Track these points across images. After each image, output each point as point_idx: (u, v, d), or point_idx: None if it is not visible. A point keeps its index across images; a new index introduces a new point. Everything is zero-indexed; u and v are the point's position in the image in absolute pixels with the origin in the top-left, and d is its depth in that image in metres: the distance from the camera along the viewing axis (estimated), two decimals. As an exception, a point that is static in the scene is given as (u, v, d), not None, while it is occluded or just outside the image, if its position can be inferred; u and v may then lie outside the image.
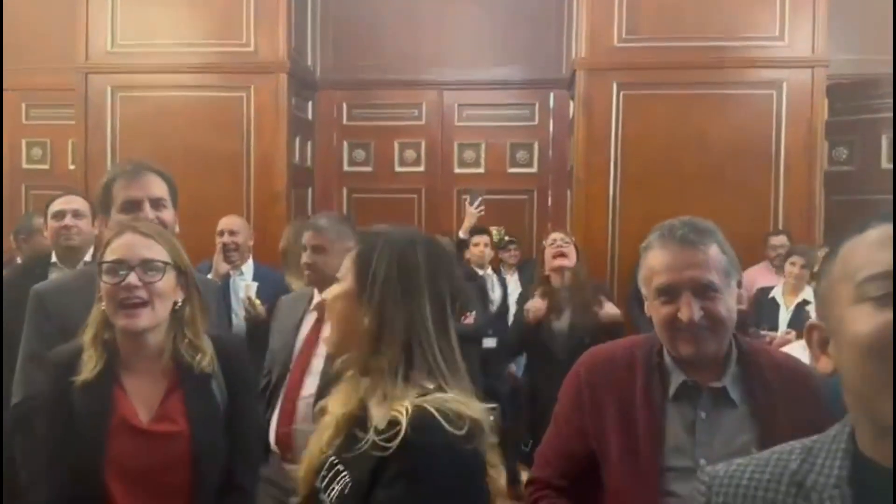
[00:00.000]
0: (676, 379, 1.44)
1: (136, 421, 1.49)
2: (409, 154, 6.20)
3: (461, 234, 4.61)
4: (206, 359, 1.54)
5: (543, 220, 6.07)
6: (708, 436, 1.41)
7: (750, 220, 5.11)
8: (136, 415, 1.50)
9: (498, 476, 1.21)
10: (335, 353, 1.26)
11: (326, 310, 1.32)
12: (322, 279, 2.24)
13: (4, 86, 6.20)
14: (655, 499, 1.39)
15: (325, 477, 1.18)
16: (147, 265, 1.49)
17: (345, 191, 6.25)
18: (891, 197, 5.25)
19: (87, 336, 1.52)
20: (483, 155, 6.16)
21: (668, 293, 1.42)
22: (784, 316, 4.25)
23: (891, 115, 5.30)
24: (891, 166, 5.40)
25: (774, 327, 4.19)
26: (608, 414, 1.46)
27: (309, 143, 6.10)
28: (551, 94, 6.07)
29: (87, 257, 2.96)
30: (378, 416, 1.13)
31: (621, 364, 1.50)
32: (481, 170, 6.16)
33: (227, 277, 3.59)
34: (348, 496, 1.12)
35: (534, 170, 6.14)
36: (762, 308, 4.43)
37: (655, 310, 1.45)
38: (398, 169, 6.21)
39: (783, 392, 1.42)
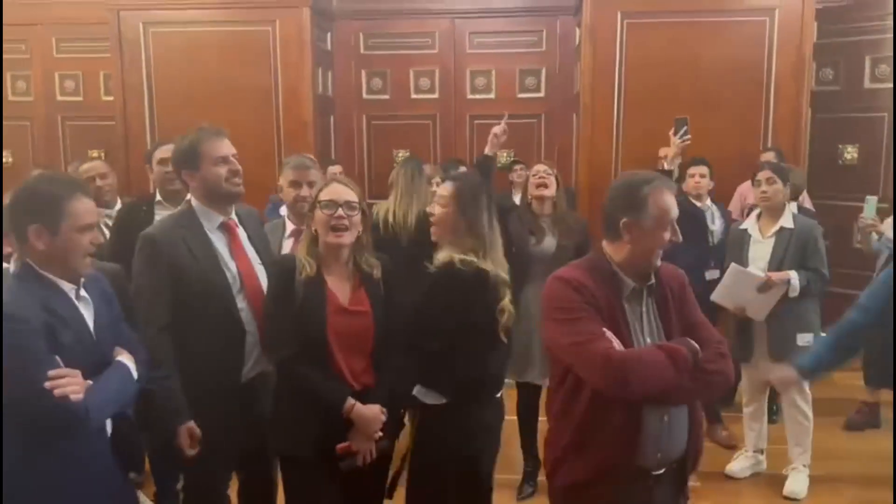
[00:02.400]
0: (628, 285, 2.00)
1: (341, 304, 2.25)
2: (424, 82, 6.57)
3: (666, 165, 4.11)
4: (378, 271, 2.34)
5: (551, 142, 6.52)
6: (654, 324, 2.03)
7: (741, 139, 5.57)
8: (339, 300, 2.25)
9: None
10: (439, 238, 2.42)
11: (438, 219, 2.42)
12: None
13: (34, 20, 6.53)
14: None
15: None
16: (348, 205, 2.25)
17: (364, 118, 6.65)
18: (872, 115, 5.73)
19: (302, 250, 2.29)
20: (493, 81, 6.55)
21: (672, 224, 1.99)
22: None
23: (874, 37, 5.68)
24: (874, 86, 5.81)
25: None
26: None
27: (329, 73, 6.46)
28: (558, 21, 6.40)
29: (188, 195, 3.34)
30: (438, 259, 2.33)
31: (589, 280, 1.99)
32: (492, 95, 6.55)
33: None
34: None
35: (541, 95, 6.53)
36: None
37: (659, 237, 1.97)
38: (413, 96, 6.59)
39: (670, 287, 2.07)
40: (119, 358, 1.95)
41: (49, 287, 1.86)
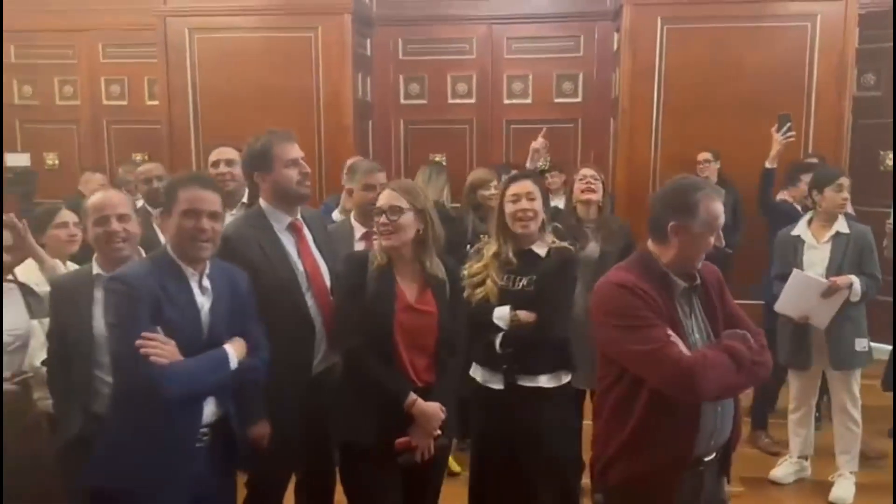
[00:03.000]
0: (678, 286, 2.06)
1: (409, 301, 2.35)
2: (461, 87, 6.64)
3: (767, 164, 3.98)
4: (443, 272, 2.42)
5: (587, 147, 6.54)
6: (700, 321, 2.11)
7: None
8: (408, 298, 2.35)
9: None
10: (528, 230, 2.67)
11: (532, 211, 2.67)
12: None
13: (81, 27, 6.71)
14: None
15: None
16: (392, 209, 2.32)
17: (402, 122, 6.73)
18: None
19: (378, 245, 2.37)
20: (530, 86, 6.59)
21: (718, 230, 2.07)
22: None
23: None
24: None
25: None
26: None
27: (368, 78, 6.55)
28: (595, 26, 6.43)
29: (245, 199, 3.36)
30: (555, 249, 2.74)
31: (645, 283, 2.02)
32: (529, 100, 6.60)
33: None
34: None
35: (578, 99, 6.56)
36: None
37: (706, 241, 2.03)
38: (451, 101, 6.67)
39: (711, 285, 2.15)
40: (225, 345, 2.04)
41: (171, 268, 2.02)
